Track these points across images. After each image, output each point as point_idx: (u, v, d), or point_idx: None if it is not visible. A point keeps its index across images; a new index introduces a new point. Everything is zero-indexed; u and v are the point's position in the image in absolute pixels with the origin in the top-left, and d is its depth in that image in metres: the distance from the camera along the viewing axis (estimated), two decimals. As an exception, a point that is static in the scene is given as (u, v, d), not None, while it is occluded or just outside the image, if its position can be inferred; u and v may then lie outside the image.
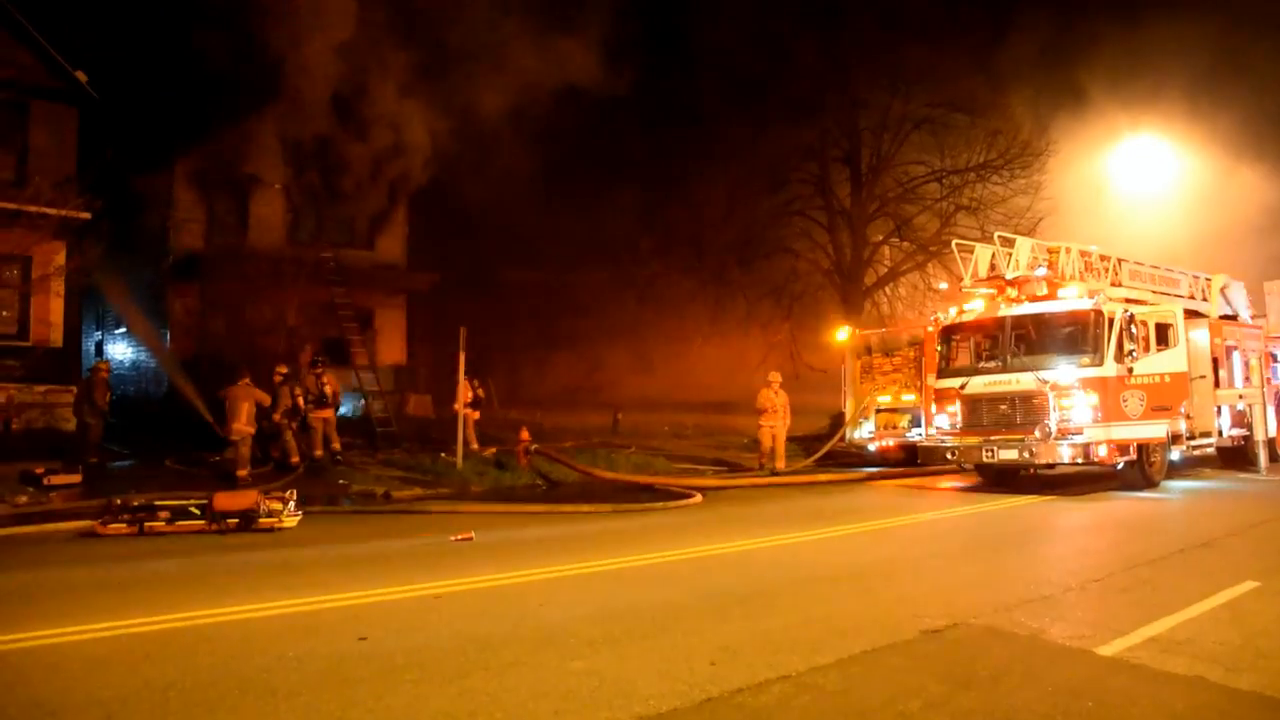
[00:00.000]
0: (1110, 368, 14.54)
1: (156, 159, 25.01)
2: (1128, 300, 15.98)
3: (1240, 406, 18.00)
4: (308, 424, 17.57)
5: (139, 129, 25.64)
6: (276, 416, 16.79)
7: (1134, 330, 14.81)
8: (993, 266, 16.26)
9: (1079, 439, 14.32)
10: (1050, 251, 16.25)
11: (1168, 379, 15.33)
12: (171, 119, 25.76)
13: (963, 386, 15.67)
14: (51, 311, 19.97)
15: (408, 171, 26.66)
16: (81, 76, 20.61)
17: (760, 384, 20.17)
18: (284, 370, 17.47)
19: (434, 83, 25.44)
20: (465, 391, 18.68)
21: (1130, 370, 14.67)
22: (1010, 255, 16.07)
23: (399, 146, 26.43)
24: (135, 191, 24.50)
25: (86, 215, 18.66)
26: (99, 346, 29.05)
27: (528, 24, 25.90)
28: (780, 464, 18.96)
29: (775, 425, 19.21)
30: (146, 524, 11.12)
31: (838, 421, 21.29)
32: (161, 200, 24.70)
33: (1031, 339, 15.50)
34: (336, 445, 17.77)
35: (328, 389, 17.87)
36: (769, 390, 19.47)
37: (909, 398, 19.30)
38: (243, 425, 15.98)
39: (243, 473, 16.01)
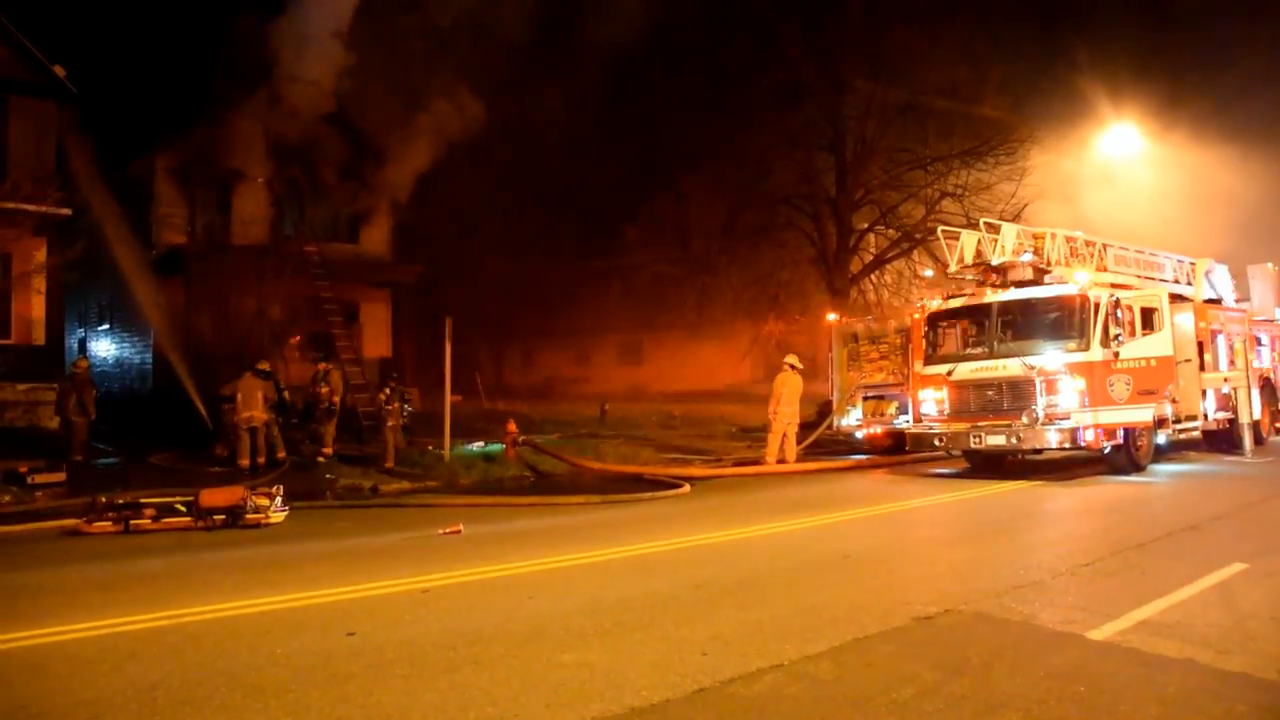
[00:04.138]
0: (1096, 352, 14.56)
1: (138, 153, 24.81)
2: (1113, 285, 15.98)
3: (1225, 390, 18.05)
4: (314, 419, 17.68)
5: (120, 123, 25.42)
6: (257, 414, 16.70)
7: (1119, 315, 14.82)
8: (979, 253, 16.24)
9: (1066, 424, 14.34)
10: (1036, 237, 16.24)
11: (1153, 363, 15.37)
12: (152, 113, 25.57)
13: (950, 373, 15.68)
14: (33, 309, 19.81)
15: (393, 166, 26.57)
16: (60, 70, 20.39)
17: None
18: (265, 367, 17.35)
19: (419, 76, 25.38)
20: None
21: (1116, 355, 14.68)
22: (996, 241, 16.06)
23: (384, 140, 26.35)
24: (116, 186, 24.32)
25: (67, 211, 18.51)
26: (82, 343, 28.84)
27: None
28: (769, 455, 18.21)
29: (777, 412, 18.30)
30: (132, 522, 11.05)
31: (825, 409, 21.24)
32: (143, 195, 24.51)
33: (1018, 325, 15.52)
34: (329, 450, 17.65)
35: (335, 397, 18.15)
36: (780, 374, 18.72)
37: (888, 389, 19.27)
38: (258, 412, 16.47)
39: (245, 461, 16.02)
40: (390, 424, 17.24)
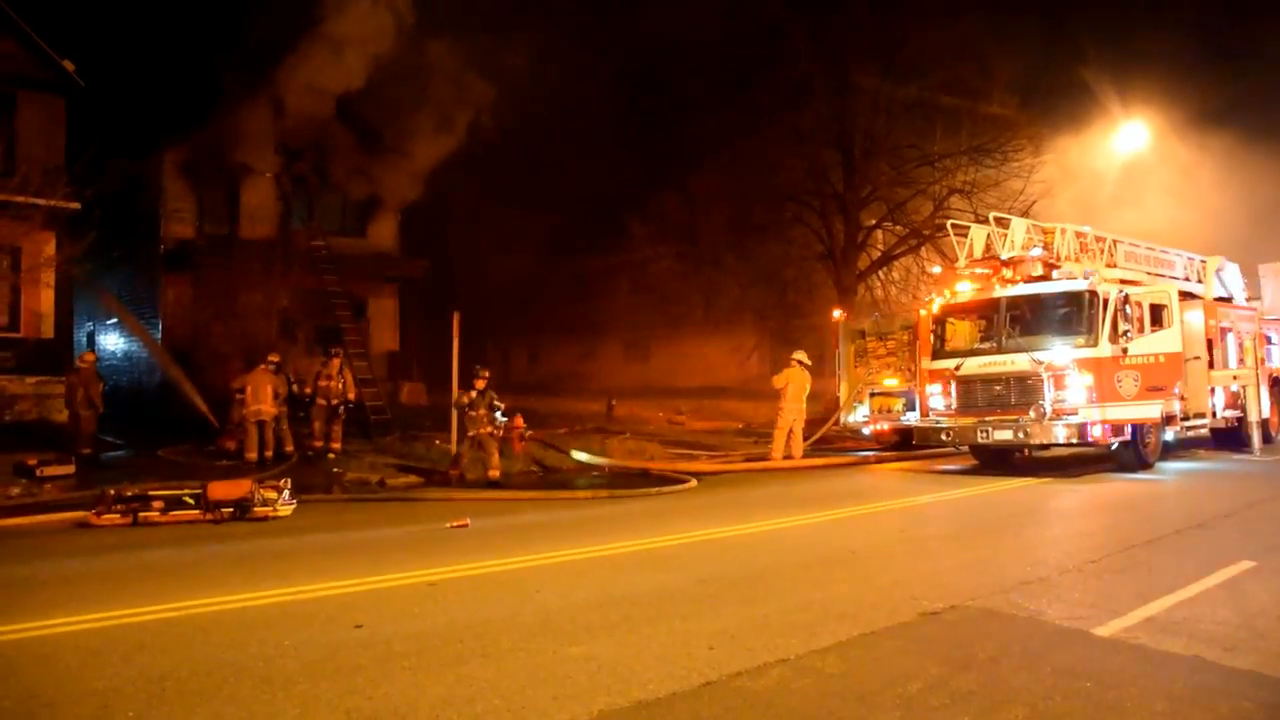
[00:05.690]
0: (1105, 348, 14.53)
1: (146, 147, 24.86)
2: (1123, 281, 15.96)
3: (1234, 388, 18.01)
4: (336, 415, 17.63)
5: (128, 117, 25.48)
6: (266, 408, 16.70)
7: (1129, 311, 14.79)
8: (988, 248, 16.23)
9: (1074, 419, 14.32)
10: (1045, 232, 16.22)
11: (1162, 359, 15.33)
12: (160, 107, 25.62)
13: (957, 368, 15.66)
14: (42, 302, 19.87)
15: (402, 159, 26.57)
16: (69, 65, 20.42)
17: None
18: (275, 359, 17.37)
19: (426, 70, 25.37)
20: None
21: (1125, 351, 14.65)
22: (1005, 236, 16.05)
23: (394, 133, 26.35)
24: (125, 181, 24.33)
25: (75, 205, 18.55)
26: (90, 337, 28.90)
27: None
28: (775, 452, 18.26)
29: (783, 408, 18.38)
30: (140, 514, 11.09)
31: (832, 406, 21.22)
32: (152, 189, 24.57)
33: (1026, 320, 15.48)
34: (337, 444, 17.59)
35: (350, 393, 18.09)
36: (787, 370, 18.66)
37: (892, 382, 19.22)
38: (267, 406, 16.45)
39: (253, 455, 16.03)
40: (471, 433, 15.03)
